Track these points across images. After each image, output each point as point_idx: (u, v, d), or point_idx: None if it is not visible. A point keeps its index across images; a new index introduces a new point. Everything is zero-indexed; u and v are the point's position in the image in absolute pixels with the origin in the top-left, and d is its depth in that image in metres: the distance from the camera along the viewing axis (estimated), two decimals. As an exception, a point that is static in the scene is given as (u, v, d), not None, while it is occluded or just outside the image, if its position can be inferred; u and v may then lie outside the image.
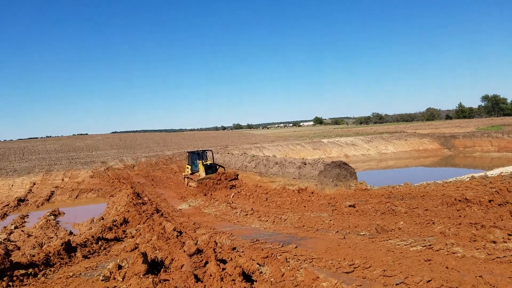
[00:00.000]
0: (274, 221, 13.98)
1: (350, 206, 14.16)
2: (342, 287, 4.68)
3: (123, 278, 6.70)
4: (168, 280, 5.30)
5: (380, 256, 6.67)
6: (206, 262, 5.35)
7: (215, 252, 5.84)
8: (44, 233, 17.66)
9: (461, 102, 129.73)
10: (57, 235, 16.97)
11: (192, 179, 26.63)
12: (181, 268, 5.56)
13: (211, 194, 23.48)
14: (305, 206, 17.29)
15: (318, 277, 5.26)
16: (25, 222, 20.95)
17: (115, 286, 6.49)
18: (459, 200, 12.02)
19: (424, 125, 77.41)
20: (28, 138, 62.92)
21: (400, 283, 5.14)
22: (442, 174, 31.71)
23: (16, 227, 19.11)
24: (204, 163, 26.46)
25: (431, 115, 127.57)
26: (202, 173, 25.89)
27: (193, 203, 23.13)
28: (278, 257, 6.64)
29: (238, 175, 26.41)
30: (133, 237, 13.56)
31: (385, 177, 30.82)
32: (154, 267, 6.72)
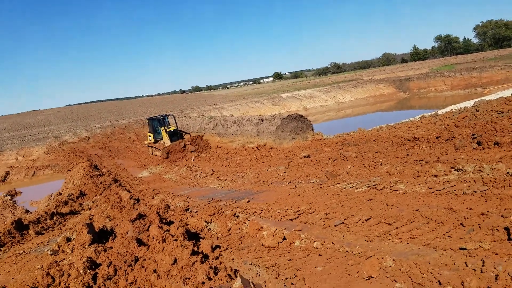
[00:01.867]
0: (232, 180, 14.06)
1: (305, 157, 14.41)
2: (280, 233, 4.78)
3: (72, 250, 6.56)
4: (112, 248, 5.20)
5: (325, 201, 6.86)
6: (150, 226, 5.29)
7: (159, 215, 5.77)
8: (1, 214, 17.04)
9: (415, 45, 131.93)
10: (14, 215, 16.38)
11: (156, 148, 25.33)
12: (127, 234, 5.47)
13: (179, 162, 22.75)
14: (263, 162, 17.45)
15: (262, 227, 5.35)
16: (-21, 205, 19.99)
17: (63, 259, 6.35)
18: (408, 140, 12.46)
19: (380, 71, 78.79)
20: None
21: (340, 224, 5.32)
22: (397, 117, 32.75)
23: (-30, 212, 18.25)
24: (167, 129, 24.97)
25: (387, 60, 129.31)
26: (166, 141, 24.67)
27: (153, 170, 22.79)
28: (226, 212, 6.69)
29: (205, 138, 25.60)
30: (90, 209, 13.30)
31: (343, 126, 31.45)
32: (104, 236, 6.59)
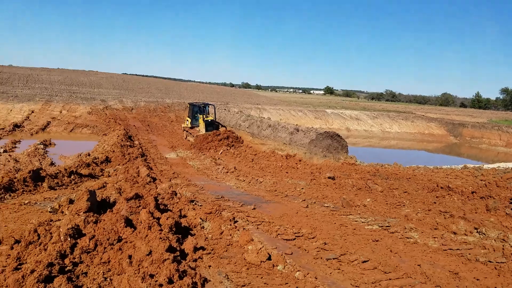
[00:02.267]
0: (250, 182, 13.87)
1: (329, 177, 13.95)
2: (265, 252, 4.50)
3: (69, 213, 6.59)
4: (102, 221, 5.14)
5: (330, 229, 6.51)
6: (144, 208, 5.18)
7: (156, 200, 5.66)
8: (30, 160, 17.70)
9: (479, 92, 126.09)
10: (41, 164, 17.00)
11: (191, 133, 25.33)
12: (120, 212, 5.40)
13: (208, 152, 22.69)
14: (287, 172, 17.12)
15: (252, 240, 5.10)
16: (15, 147, 21.01)
17: (59, 219, 6.39)
18: (441, 187, 11.75)
19: (435, 110, 75.78)
20: (41, 67, 62.34)
21: (333, 258, 4.97)
22: (441, 160, 31.31)
23: (5, 151, 19.16)
24: (205, 118, 24.92)
25: (445, 100, 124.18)
26: (202, 129, 24.58)
27: (181, 154, 23.00)
28: (224, 215, 6.48)
29: (240, 137, 25.38)
30: (109, 176, 13.54)
31: (381, 155, 30.42)
32: (103, 207, 6.58)
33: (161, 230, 4.62)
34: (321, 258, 4.97)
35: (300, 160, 20.19)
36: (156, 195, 5.92)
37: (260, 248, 4.54)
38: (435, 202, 9.38)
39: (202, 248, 4.78)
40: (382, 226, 6.93)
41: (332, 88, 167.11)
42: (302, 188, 11.95)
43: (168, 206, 7.56)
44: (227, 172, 16.95)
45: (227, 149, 23.32)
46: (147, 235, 4.50)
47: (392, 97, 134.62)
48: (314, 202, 9.57)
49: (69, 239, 4.44)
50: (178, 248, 4.21)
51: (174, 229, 4.90)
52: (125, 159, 16.49)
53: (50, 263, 3.72)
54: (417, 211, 8.26)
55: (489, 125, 44.39)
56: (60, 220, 6.37)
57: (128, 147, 20.38)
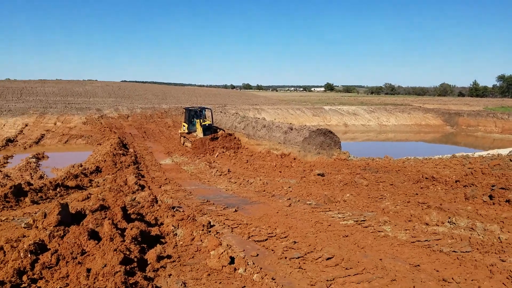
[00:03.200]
0: (240, 184, 13.90)
1: (319, 174, 13.97)
2: (227, 256, 4.51)
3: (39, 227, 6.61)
4: (68, 235, 5.16)
5: (305, 227, 6.51)
6: (109, 219, 5.20)
7: (123, 210, 5.68)
8: (21, 175, 17.77)
9: (476, 80, 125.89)
10: (32, 178, 17.05)
11: (188, 139, 25.02)
12: (85, 225, 5.42)
13: (215, 160, 22.31)
14: (280, 172, 17.14)
15: (221, 244, 5.11)
16: (7, 162, 21.05)
17: (31, 235, 6.42)
18: (426, 178, 11.75)
19: (433, 100, 75.56)
20: (39, 79, 62.52)
21: (298, 257, 4.97)
22: (437, 150, 31.16)
23: (-3, 167, 19.26)
24: (203, 123, 24.59)
25: (443, 90, 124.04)
26: (199, 134, 24.28)
27: (176, 159, 23.04)
28: (199, 219, 6.50)
29: (239, 140, 25.08)
30: (98, 186, 13.58)
31: (378, 149, 30.33)
32: (78, 219, 6.60)
33: (123, 241, 4.64)
34: (286, 258, 4.98)
35: (294, 159, 20.22)
36: (123, 205, 5.93)
37: (222, 253, 4.54)
38: (417, 194, 9.36)
39: (168, 257, 4.79)
40: (357, 221, 6.92)
41: (333, 84, 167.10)
42: (290, 187, 11.96)
43: (147, 214, 7.59)
44: (220, 174, 16.98)
45: (223, 152, 23.30)
46: (109, 247, 4.51)
47: (391, 90, 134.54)
48: (298, 200, 9.57)
49: (29, 255, 4.46)
50: (135, 259, 4.23)
51: (139, 239, 4.92)
52: (116, 168, 16.52)
53: (1, 281, 3.74)
54: (396, 203, 8.25)
55: (485, 113, 44.28)
56: (35, 235, 6.41)
57: (121, 155, 20.42)
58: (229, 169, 18.06)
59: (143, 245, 4.92)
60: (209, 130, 24.41)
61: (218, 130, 25.77)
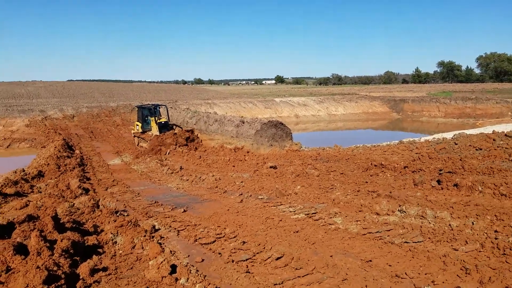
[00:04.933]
0: (192, 181, 13.48)
1: (271, 167, 13.85)
2: (167, 266, 4.18)
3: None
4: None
5: (255, 224, 6.31)
6: (38, 231, 4.69)
7: (54, 219, 5.18)
8: (-47, 186, 16.25)
9: (418, 67, 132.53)
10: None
11: (143, 138, 23.61)
12: (13, 238, 4.87)
13: (166, 157, 21.23)
14: (234, 166, 16.86)
15: (163, 251, 4.77)
16: None
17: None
18: (375, 165, 11.94)
19: (379, 88, 78.44)
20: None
21: (246, 259, 4.75)
22: (386, 137, 32.31)
23: None
24: (158, 120, 23.24)
25: (388, 78, 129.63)
26: (155, 132, 22.89)
27: (126, 159, 22.12)
28: (142, 224, 6.09)
29: (197, 134, 24.04)
30: (40, 192, 12.63)
31: (328, 138, 30.93)
32: (8, 231, 5.96)
33: (52, 255, 4.18)
34: (233, 261, 4.72)
35: (248, 152, 20.02)
36: (54, 214, 5.41)
37: (162, 262, 4.20)
38: (366, 182, 9.44)
39: (104, 269, 4.37)
40: (308, 214, 6.83)
41: (283, 77, 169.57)
42: (242, 182, 11.73)
43: (88, 221, 7.05)
44: (172, 172, 16.43)
45: (174, 148, 22.46)
46: (35, 264, 4.03)
47: (338, 80, 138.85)
48: (250, 195, 9.36)
49: None
50: (63, 276, 3.79)
51: (71, 251, 4.47)
52: (60, 171, 15.50)
53: None
54: (347, 193, 8.26)
55: (428, 98, 46.51)
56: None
57: (65, 158, 19.25)
58: (181, 166, 17.52)
59: (76, 257, 4.47)
60: (166, 127, 23.13)
61: (175, 127, 24.46)
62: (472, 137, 13.36)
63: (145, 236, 5.37)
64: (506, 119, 34.92)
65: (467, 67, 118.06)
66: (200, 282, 3.93)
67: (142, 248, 5.04)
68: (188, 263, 4.62)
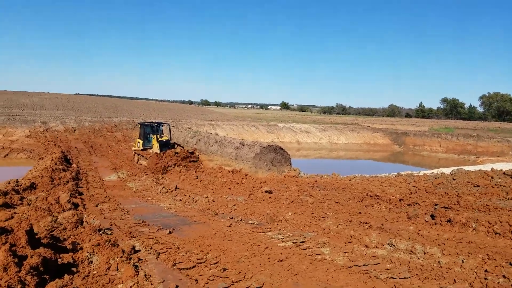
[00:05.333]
0: (185, 202, 13.28)
1: (266, 191, 13.65)
2: (137, 290, 3.96)
3: None
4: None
5: (240, 251, 6.08)
6: (9, 245, 4.51)
7: (28, 234, 4.99)
8: None
9: (422, 102, 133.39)
10: (-43, 196, 15.44)
11: (143, 156, 23.04)
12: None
13: (164, 175, 20.70)
14: (230, 188, 16.67)
15: (137, 274, 4.55)
16: None
17: None
18: (371, 196, 11.73)
19: (381, 121, 78.65)
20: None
21: None
22: (384, 169, 32.09)
23: None
24: (160, 139, 22.76)
25: (392, 111, 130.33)
26: (156, 150, 22.37)
27: (123, 175, 21.90)
28: (122, 244, 5.87)
29: (198, 154, 23.58)
30: (29, 204, 12.43)
31: (328, 166, 30.72)
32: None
33: (19, 271, 3.99)
34: (209, 290, 4.50)
35: (246, 175, 19.85)
36: (28, 228, 5.23)
37: (131, 286, 3.99)
38: (360, 212, 9.22)
39: (72, 290, 4.16)
40: (296, 242, 6.60)
41: (288, 103, 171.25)
42: (234, 205, 11.51)
43: (69, 237, 6.85)
44: (166, 192, 16.22)
45: (184, 170, 21.88)
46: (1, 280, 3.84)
47: (342, 110, 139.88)
48: (241, 220, 9.14)
49: None
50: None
51: (41, 268, 4.27)
52: (53, 184, 15.32)
53: None
54: (338, 223, 8.03)
55: (430, 133, 46.51)
56: None
57: (61, 171, 19.08)
58: (176, 186, 17.31)
59: (46, 275, 4.26)
60: (167, 146, 22.67)
61: (176, 146, 23.69)
62: (470, 174, 13.16)
63: (121, 257, 5.16)
64: (507, 157, 34.73)
65: (470, 105, 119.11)
66: (169, 310, 3.71)
67: (117, 270, 4.83)
68: (160, 289, 4.39)
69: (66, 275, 4.57)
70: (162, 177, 20.37)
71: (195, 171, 21.63)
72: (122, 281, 4.45)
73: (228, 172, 21.18)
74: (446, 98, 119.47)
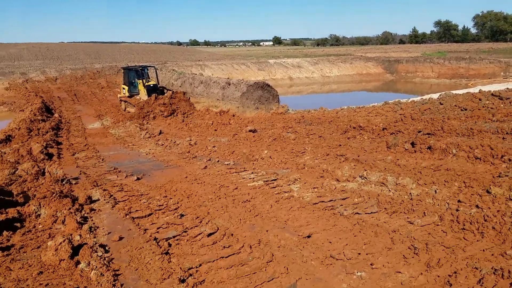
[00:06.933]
0: (166, 146, 12.90)
1: (250, 131, 13.20)
2: (68, 248, 3.58)
3: None
4: None
5: (207, 194, 5.74)
6: None
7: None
8: None
9: (415, 27, 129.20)
10: None
11: (130, 103, 21.80)
12: None
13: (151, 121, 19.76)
14: (215, 130, 16.21)
15: (80, 227, 4.18)
16: None
17: None
18: (354, 128, 11.30)
19: (375, 49, 76.37)
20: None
21: (174, 236, 4.17)
22: (375, 98, 31.48)
23: None
24: (146, 83, 21.48)
25: (385, 39, 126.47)
26: (143, 96, 21.24)
27: (107, 122, 21.31)
28: (66, 196, 5.45)
29: (189, 98, 22.51)
30: (1, 157, 12.02)
31: (319, 101, 30.09)
32: None
33: None
34: (156, 239, 4.14)
35: (233, 115, 19.27)
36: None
37: (61, 243, 3.62)
38: (340, 145, 8.80)
39: (7, 248, 3.79)
40: (266, 181, 6.25)
41: (280, 38, 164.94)
42: (214, 146, 11.09)
43: (30, 189, 6.46)
44: (150, 137, 15.78)
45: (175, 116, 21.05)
46: None
47: (336, 41, 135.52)
48: (218, 161, 8.76)
49: None
50: None
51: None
52: (29, 136, 14.79)
53: None
54: (316, 157, 7.63)
55: (422, 59, 45.20)
56: None
57: (40, 121, 18.48)
58: (161, 131, 16.81)
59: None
60: (155, 91, 21.31)
61: (166, 90, 22.53)
62: (458, 97, 12.63)
63: (70, 209, 4.78)
64: (498, 79, 33.92)
65: (464, 26, 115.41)
66: (101, 267, 3.36)
67: (63, 223, 4.47)
68: (98, 242, 4.02)
69: (4, 232, 4.20)
70: (147, 123, 19.80)
71: (186, 116, 20.86)
72: (66, 234, 4.09)
73: (215, 113, 20.54)
74: (439, 21, 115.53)
